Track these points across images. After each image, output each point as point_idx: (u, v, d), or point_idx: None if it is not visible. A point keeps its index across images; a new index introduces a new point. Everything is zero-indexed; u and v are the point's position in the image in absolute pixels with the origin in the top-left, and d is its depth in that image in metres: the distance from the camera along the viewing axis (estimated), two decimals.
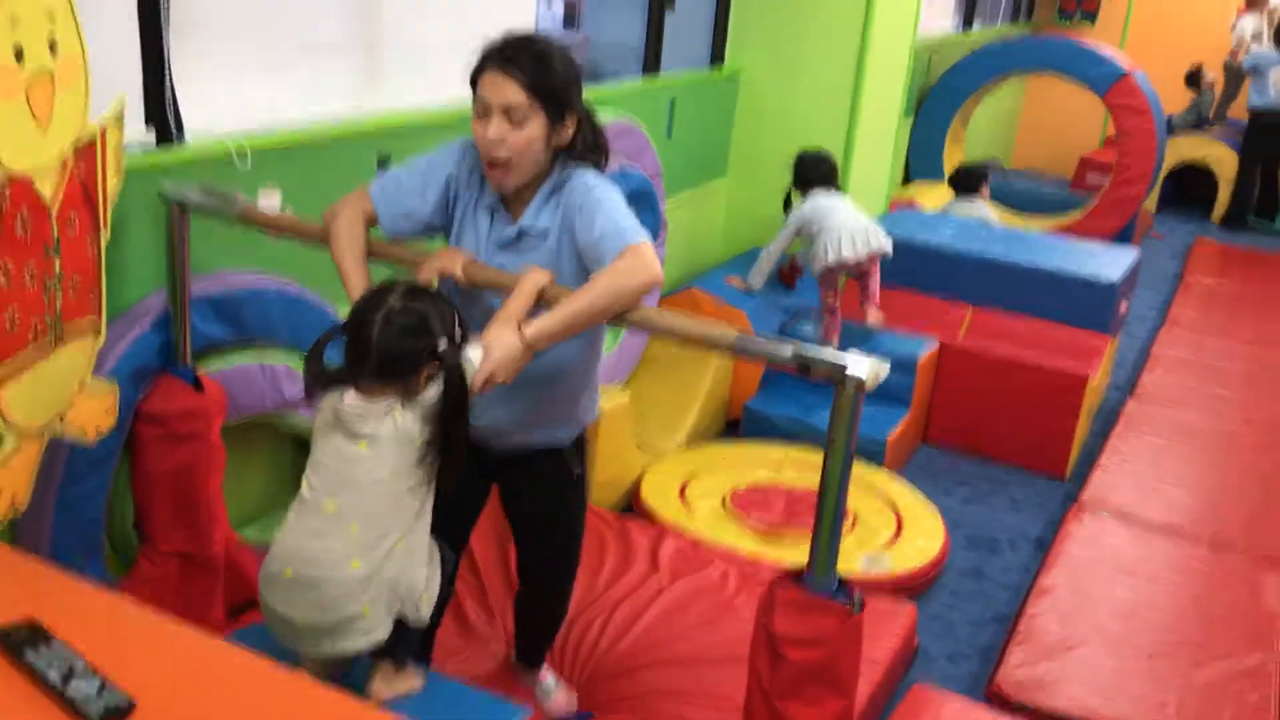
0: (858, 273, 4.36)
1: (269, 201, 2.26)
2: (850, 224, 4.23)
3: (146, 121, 2.37)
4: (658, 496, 3.61)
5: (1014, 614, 3.28)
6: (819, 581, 1.84)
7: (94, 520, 2.30)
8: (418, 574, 1.87)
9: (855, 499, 3.74)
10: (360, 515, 1.79)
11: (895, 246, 4.44)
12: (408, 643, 1.93)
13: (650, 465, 3.82)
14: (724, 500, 3.67)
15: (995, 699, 2.86)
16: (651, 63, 4.35)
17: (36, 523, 2.17)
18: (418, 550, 1.87)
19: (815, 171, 4.38)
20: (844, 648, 1.82)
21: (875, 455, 4.05)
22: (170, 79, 2.39)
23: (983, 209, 5.95)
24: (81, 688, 1.19)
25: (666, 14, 4.43)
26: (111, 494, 2.37)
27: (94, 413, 2.09)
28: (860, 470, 3.93)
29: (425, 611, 1.90)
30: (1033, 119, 9.82)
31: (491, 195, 2.05)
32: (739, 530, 3.50)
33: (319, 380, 1.86)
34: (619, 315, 1.87)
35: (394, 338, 1.77)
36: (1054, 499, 4.15)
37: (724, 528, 3.50)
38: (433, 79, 3.05)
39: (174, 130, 2.42)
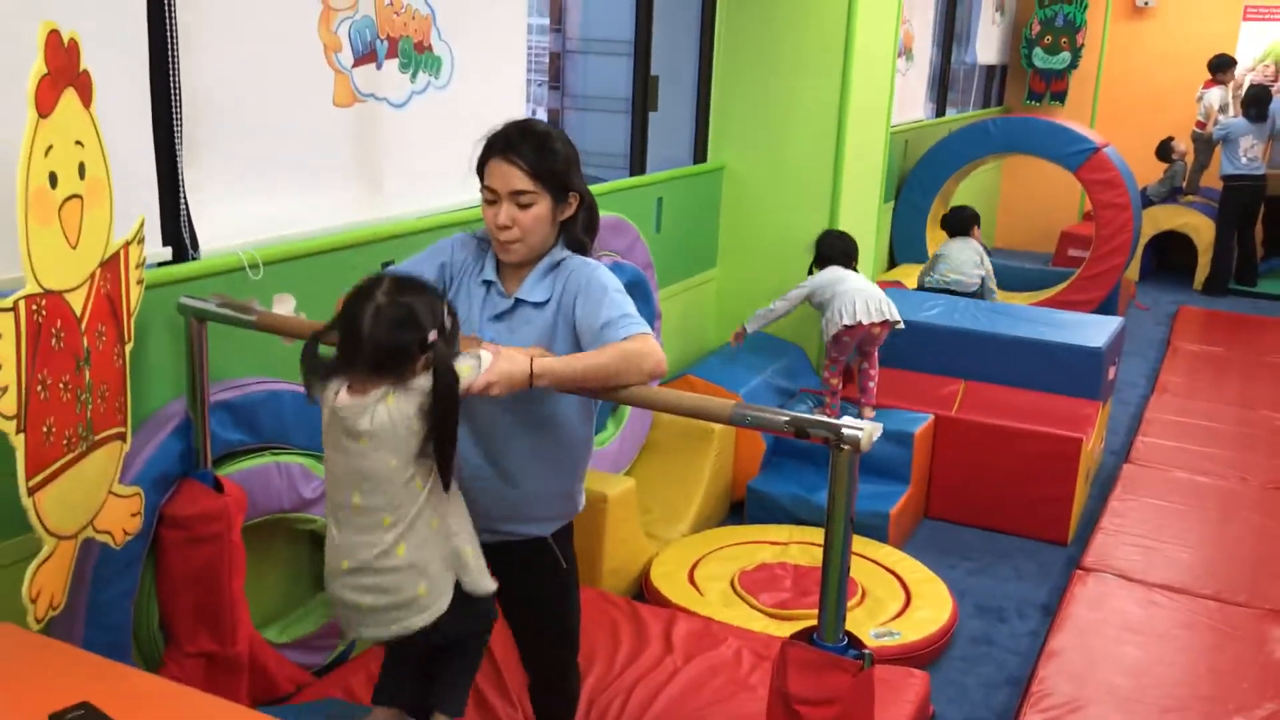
0: (863, 350, 4.49)
1: (283, 308, 2.38)
2: (865, 290, 4.42)
3: (164, 240, 2.49)
4: (667, 581, 3.67)
5: (1026, 677, 3.32)
6: (829, 640, 1.90)
7: (122, 623, 2.36)
8: (463, 547, 1.91)
9: (862, 574, 3.80)
10: (387, 506, 1.85)
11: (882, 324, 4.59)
12: (462, 691, 2.00)
13: (658, 552, 3.88)
14: (733, 582, 3.72)
15: None
16: (638, 163, 4.53)
17: (68, 626, 2.23)
18: (457, 527, 1.92)
19: (834, 249, 4.59)
20: (856, 703, 1.88)
21: (879, 531, 4.11)
22: (185, 200, 2.52)
23: (975, 248, 6.10)
24: None
25: (650, 115, 4.62)
26: (138, 596, 2.43)
27: (121, 517, 2.17)
28: (865, 545, 4.00)
29: (485, 581, 1.95)
30: (1012, 198, 10.06)
31: (489, 271, 2.15)
32: (749, 610, 3.55)
33: (315, 374, 1.91)
34: (620, 388, 1.96)
35: (384, 332, 1.81)
36: (1057, 565, 4.20)
37: (734, 609, 3.55)
38: (429, 190, 3.21)
39: (189, 246, 2.54)
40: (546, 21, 8.16)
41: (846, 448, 1.79)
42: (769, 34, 4.78)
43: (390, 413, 1.84)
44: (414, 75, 3.13)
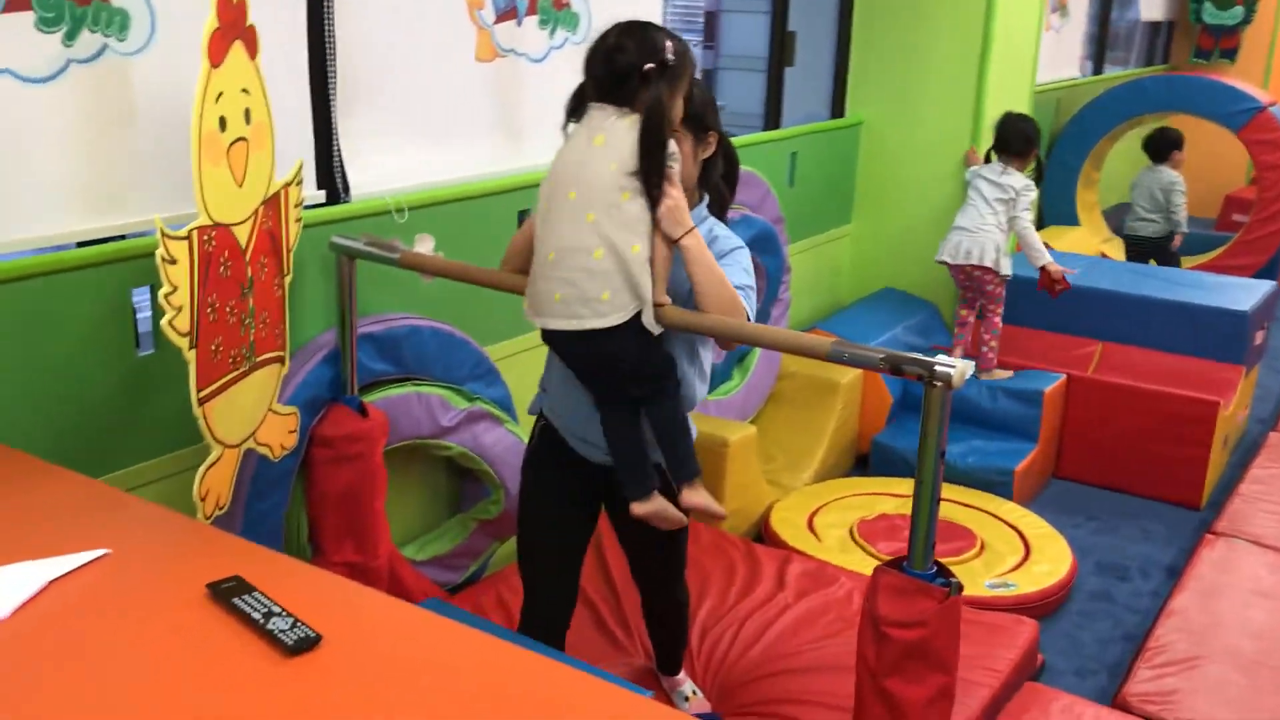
0: (979, 303, 4.52)
1: (424, 246, 2.57)
2: (959, 229, 4.50)
3: (318, 184, 2.71)
4: (786, 526, 3.78)
5: (1143, 634, 3.33)
6: (918, 568, 2.00)
7: (275, 533, 2.61)
8: (647, 284, 2.03)
9: (983, 527, 3.84)
10: (596, 204, 2.02)
11: (1023, 286, 4.59)
12: (689, 458, 2.20)
13: (779, 498, 4.00)
14: (851, 530, 3.81)
15: (1121, 710, 2.92)
16: (772, 117, 4.60)
17: (228, 530, 2.49)
18: (646, 264, 2.04)
19: (997, 134, 4.53)
20: (942, 627, 1.97)
21: (1004, 488, 4.13)
22: (338, 148, 2.73)
23: (1170, 175, 6.01)
24: (278, 624, 1.45)
25: (790, 71, 4.69)
26: (289, 509, 2.68)
27: (279, 432, 2.41)
28: (987, 501, 4.04)
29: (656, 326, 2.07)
30: None
31: None
32: (865, 557, 3.64)
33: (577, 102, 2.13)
34: (717, 315, 2.09)
35: (602, 63, 2.04)
36: (1187, 528, 4.15)
37: (851, 555, 3.64)
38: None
39: (342, 191, 2.76)
40: None
41: (939, 384, 1.88)
42: None
43: (620, 127, 2.02)
44: (552, 31, 3.28)
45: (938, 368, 1.87)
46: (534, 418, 2.50)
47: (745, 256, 2.26)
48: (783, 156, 4.52)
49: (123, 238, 2.31)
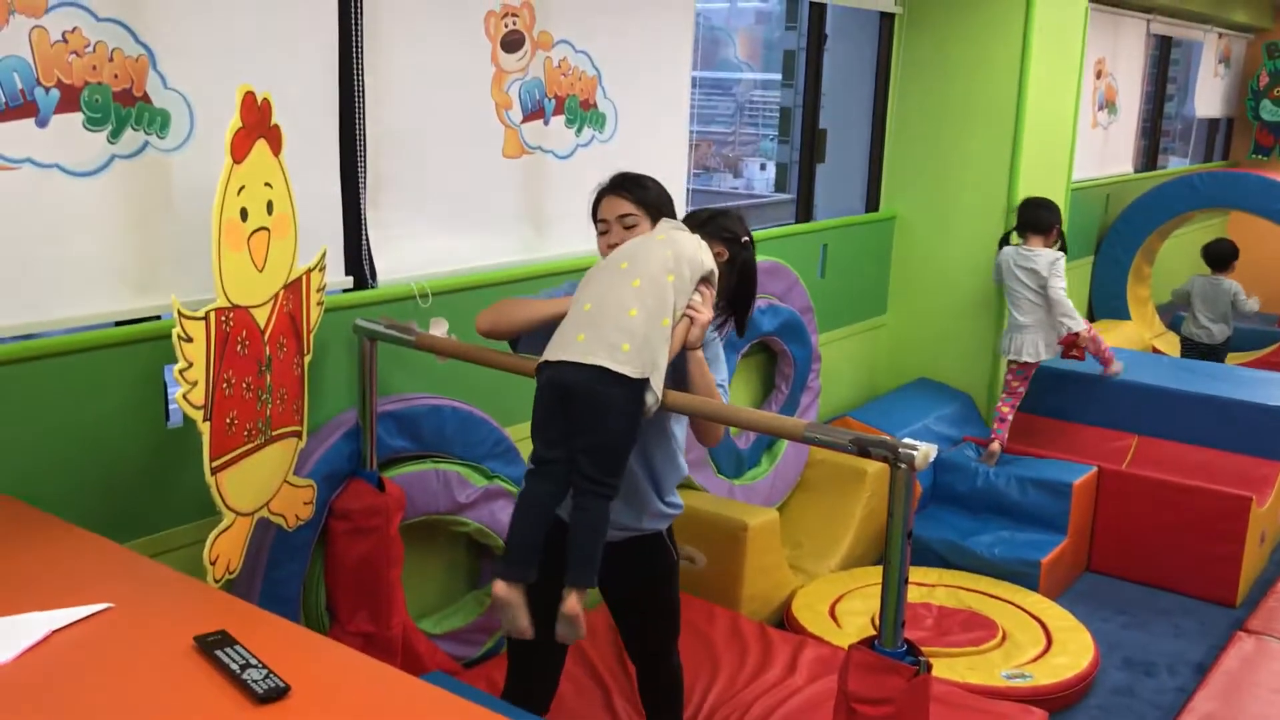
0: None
1: (438, 330, 2.71)
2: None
3: (346, 270, 2.88)
4: (807, 613, 3.81)
5: None
6: (887, 645, 2.05)
7: (292, 601, 2.73)
8: (662, 363, 2.18)
9: (1005, 617, 3.84)
10: (644, 275, 2.20)
11: (1057, 378, 4.72)
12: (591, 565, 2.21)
13: (803, 585, 4.03)
14: (874, 618, 3.83)
15: None
16: (803, 210, 4.73)
17: (245, 598, 2.61)
18: (664, 351, 2.19)
19: (1021, 217, 4.72)
20: (910, 705, 2.01)
21: (1030, 579, 4.12)
22: (366, 236, 2.91)
23: (1231, 284, 6.08)
24: (253, 675, 1.55)
25: (828, 165, 4.84)
26: (307, 579, 2.80)
27: (295, 503, 2.54)
28: (1013, 592, 4.03)
29: (653, 401, 2.18)
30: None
31: None
32: None
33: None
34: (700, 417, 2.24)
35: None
36: (1220, 626, 4.09)
37: None
38: (590, 233, 3.51)
39: (369, 277, 2.93)
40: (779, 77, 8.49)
41: (903, 466, 1.95)
42: (942, 89, 4.91)
43: (682, 233, 2.32)
44: (579, 130, 3.45)
45: (901, 450, 1.95)
46: None
47: (720, 350, 2.50)
48: (813, 248, 4.64)
49: (157, 318, 2.49)
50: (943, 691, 3.17)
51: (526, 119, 3.27)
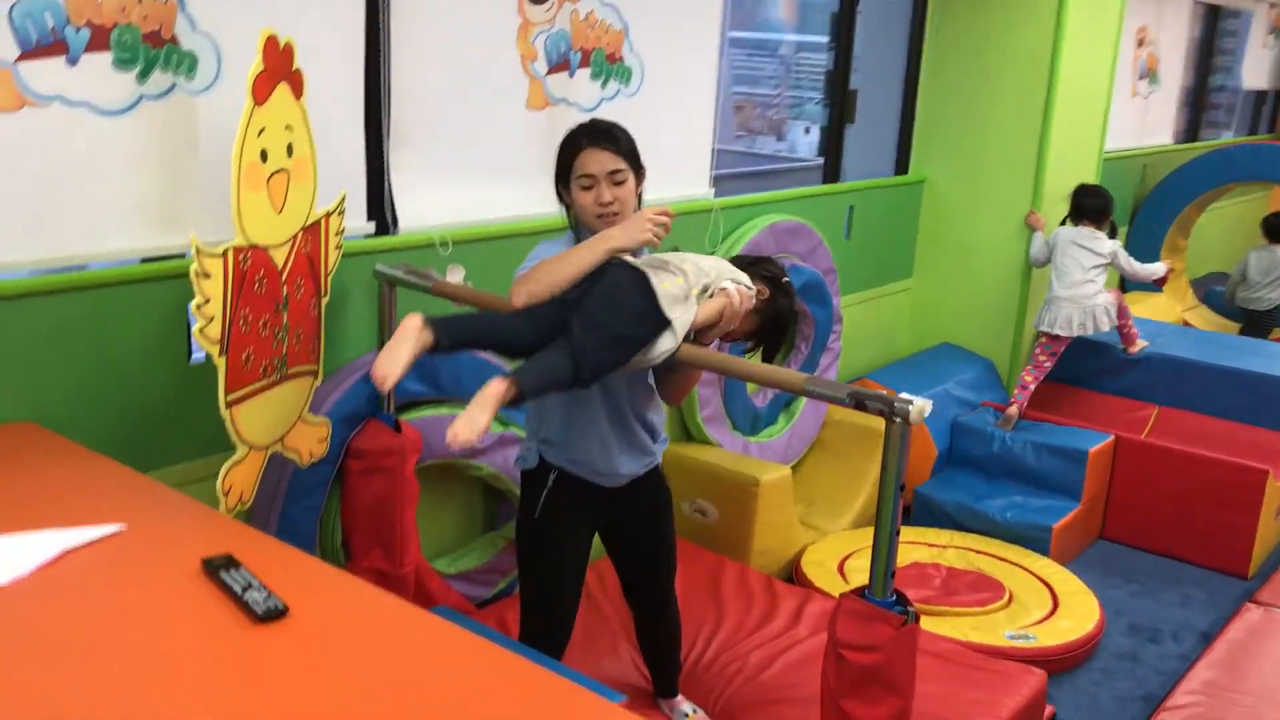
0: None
1: (454, 277, 2.76)
2: (1076, 298, 4.64)
3: (368, 216, 2.94)
4: (816, 569, 3.86)
5: (1164, 696, 3.32)
6: (877, 595, 2.09)
7: (308, 536, 2.81)
8: (682, 323, 2.26)
9: (1014, 580, 3.87)
10: (692, 271, 2.31)
11: (1082, 347, 4.74)
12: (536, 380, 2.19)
13: (814, 541, 4.08)
14: None
15: None
16: (831, 171, 4.73)
17: (262, 531, 2.70)
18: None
19: (1078, 204, 4.77)
20: (897, 653, 2.06)
21: (1041, 544, 4.15)
22: (389, 184, 2.96)
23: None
24: (254, 595, 1.62)
25: (857, 127, 4.84)
26: (324, 516, 2.88)
27: (309, 440, 2.61)
28: (1023, 555, 4.06)
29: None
30: None
31: None
32: None
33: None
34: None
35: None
36: (1231, 597, 4.11)
37: None
38: None
39: (390, 224, 2.98)
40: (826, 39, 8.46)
41: (898, 420, 1.99)
42: (974, 53, 4.88)
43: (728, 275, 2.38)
44: (604, 83, 3.48)
45: (897, 404, 1.98)
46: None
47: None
48: (839, 210, 4.64)
49: (182, 256, 2.56)
50: (945, 648, 3.22)
51: (551, 71, 3.30)
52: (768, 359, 2.53)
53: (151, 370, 2.51)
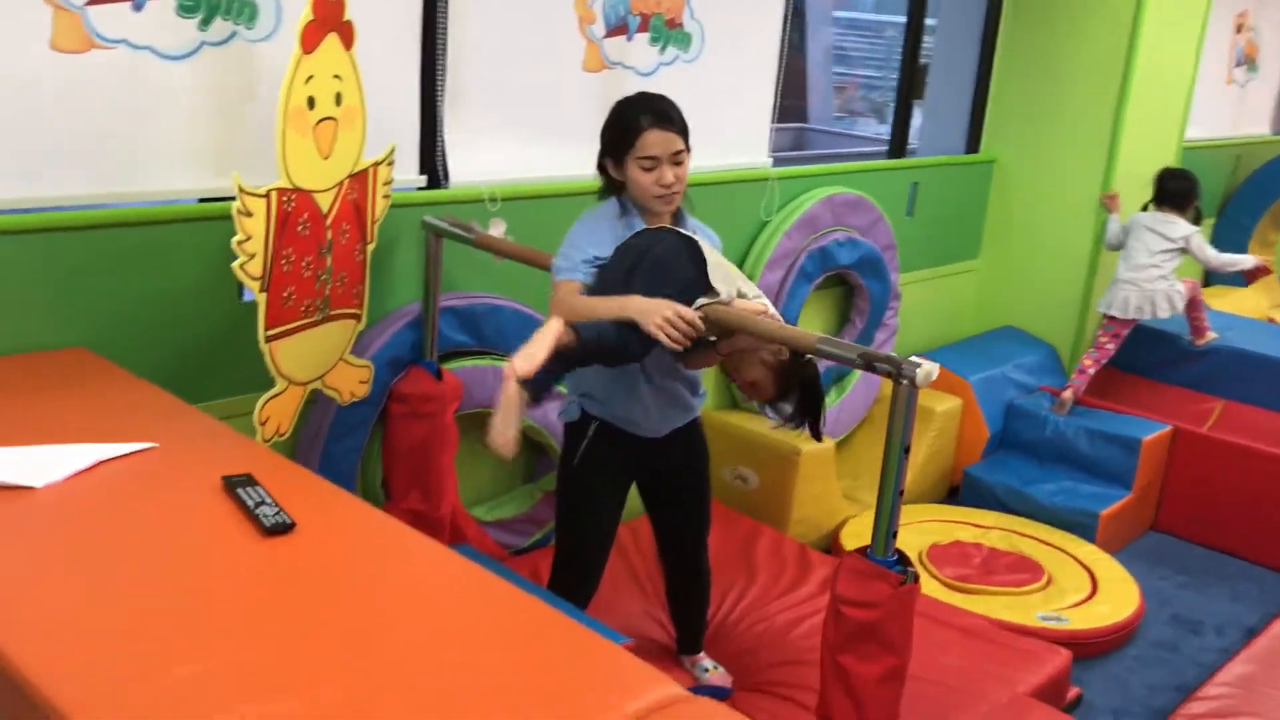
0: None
1: (496, 230, 2.84)
2: (1139, 283, 4.57)
3: (420, 169, 3.03)
4: (853, 541, 3.88)
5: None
6: (878, 554, 2.13)
7: (349, 474, 2.92)
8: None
9: (1053, 564, 3.85)
10: (735, 275, 2.42)
11: (1150, 337, 4.74)
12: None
13: (855, 515, 4.10)
14: (921, 553, 3.88)
15: None
16: (897, 147, 4.71)
17: (306, 465, 2.82)
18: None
19: (1160, 189, 4.67)
20: (894, 611, 2.10)
21: (1088, 530, 4.11)
22: (442, 139, 3.05)
23: None
24: (265, 511, 1.72)
25: (930, 104, 4.81)
26: (365, 456, 3.00)
27: (350, 380, 2.72)
28: (1066, 540, 4.03)
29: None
30: None
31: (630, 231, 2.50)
32: (926, 578, 3.70)
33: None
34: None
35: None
36: None
37: None
38: None
39: (442, 178, 3.07)
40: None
41: (905, 382, 2.01)
42: (1051, 34, 4.80)
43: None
44: (663, 48, 3.52)
45: (905, 366, 2.01)
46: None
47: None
48: (902, 186, 4.62)
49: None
50: (971, 624, 3.23)
51: (609, 34, 3.35)
52: (811, 426, 2.43)
53: (203, 306, 2.63)
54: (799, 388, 2.39)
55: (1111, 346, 4.65)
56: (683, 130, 2.44)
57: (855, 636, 2.12)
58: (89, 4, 2.32)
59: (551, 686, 1.40)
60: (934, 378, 2.03)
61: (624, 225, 2.51)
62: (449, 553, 1.74)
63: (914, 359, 2.03)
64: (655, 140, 2.42)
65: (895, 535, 2.14)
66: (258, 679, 1.34)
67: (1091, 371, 4.62)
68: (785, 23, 3.93)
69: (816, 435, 2.43)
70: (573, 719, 1.33)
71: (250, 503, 1.75)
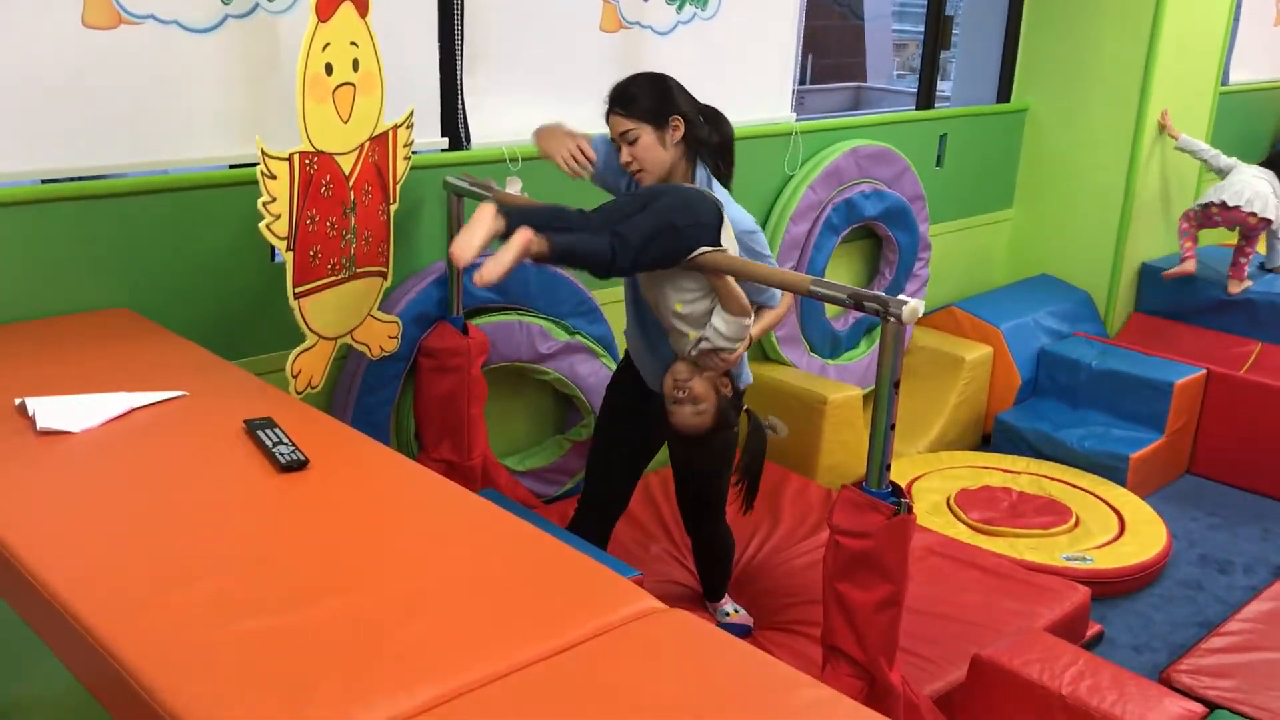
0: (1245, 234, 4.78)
1: (513, 188, 2.94)
2: (1255, 184, 4.67)
3: (442, 132, 3.14)
4: None
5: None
6: (872, 486, 2.21)
7: (382, 426, 3.06)
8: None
9: (1082, 507, 3.90)
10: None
11: (1187, 283, 4.79)
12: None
13: None
14: (949, 497, 3.94)
15: (1165, 683, 2.97)
16: (924, 98, 4.73)
17: (340, 419, 2.96)
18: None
19: None
20: (888, 540, 2.18)
21: (1119, 474, 4.14)
22: (462, 101, 3.15)
23: None
24: (282, 450, 1.85)
25: (955, 56, 4.81)
26: (398, 409, 3.13)
27: (379, 335, 2.85)
28: (1096, 483, 4.07)
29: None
30: None
31: None
32: (952, 521, 3.77)
33: None
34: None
35: None
36: None
37: (938, 518, 3.78)
38: None
39: (464, 139, 3.18)
40: None
41: (893, 319, 2.09)
42: None
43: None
44: (680, 6, 3.58)
45: (891, 304, 2.08)
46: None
47: (756, 240, 2.57)
48: (931, 137, 4.64)
49: None
50: (992, 563, 3.30)
51: None
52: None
53: (237, 267, 2.77)
54: (750, 455, 2.56)
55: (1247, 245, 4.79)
56: (628, 108, 2.54)
57: (851, 565, 2.21)
58: None
59: (535, 600, 1.51)
60: (920, 314, 2.10)
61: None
62: (450, 485, 1.86)
63: (900, 298, 2.10)
64: (612, 124, 2.61)
65: (889, 468, 2.22)
66: (266, 596, 1.47)
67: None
68: None
69: (749, 503, 2.57)
70: (552, 626, 1.44)
71: (269, 443, 1.88)
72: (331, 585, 1.50)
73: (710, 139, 2.62)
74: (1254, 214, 4.61)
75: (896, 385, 2.15)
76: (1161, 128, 4.81)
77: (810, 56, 13.12)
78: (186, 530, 1.63)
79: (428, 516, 1.75)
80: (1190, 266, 4.74)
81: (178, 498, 1.73)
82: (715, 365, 2.45)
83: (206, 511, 1.70)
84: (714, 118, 2.65)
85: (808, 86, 12.99)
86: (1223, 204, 4.65)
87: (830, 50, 13.96)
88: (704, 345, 2.43)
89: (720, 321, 2.40)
